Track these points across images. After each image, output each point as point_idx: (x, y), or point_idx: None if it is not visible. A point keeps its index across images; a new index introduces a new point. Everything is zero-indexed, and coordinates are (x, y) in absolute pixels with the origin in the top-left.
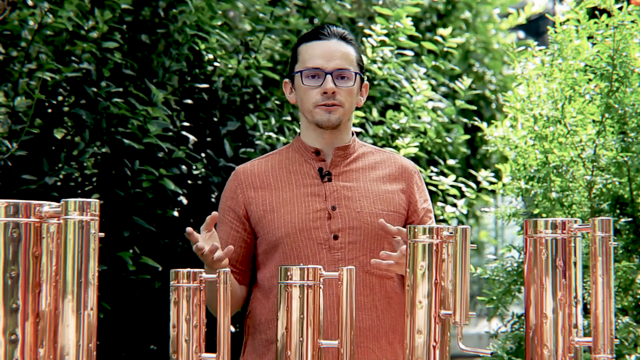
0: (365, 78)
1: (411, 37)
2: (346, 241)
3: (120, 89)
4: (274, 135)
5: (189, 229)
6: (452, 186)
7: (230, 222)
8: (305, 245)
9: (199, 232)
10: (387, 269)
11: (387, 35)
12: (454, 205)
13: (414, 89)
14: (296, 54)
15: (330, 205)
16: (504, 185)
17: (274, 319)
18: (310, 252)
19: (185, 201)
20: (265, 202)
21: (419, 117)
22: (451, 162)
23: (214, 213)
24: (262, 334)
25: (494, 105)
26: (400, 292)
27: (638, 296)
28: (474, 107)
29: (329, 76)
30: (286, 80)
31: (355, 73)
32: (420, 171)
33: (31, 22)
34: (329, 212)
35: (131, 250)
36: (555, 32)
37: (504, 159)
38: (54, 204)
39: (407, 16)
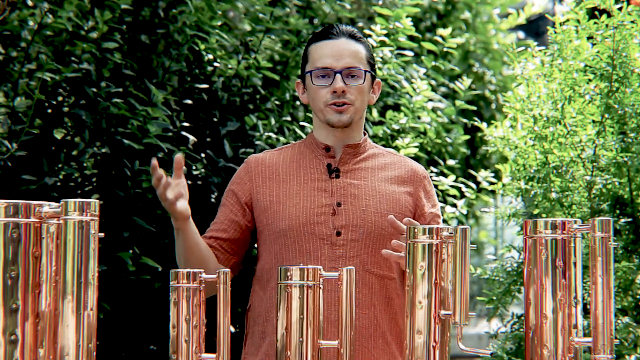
0: (380, 76)
1: (411, 38)
2: (348, 238)
3: (120, 89)
4: (273, 136)
5: (155, 162)
6: (452, 186)
7: (231, 205)
8: (307, 239)
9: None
10: (397, 261)
11: (386, 35)
12: (454, 205)
13: (414, 89)
14: (307, 54)
15: (335, 202)
16: (503, 185)
17: (270, 310)
18: (311, 247)
19: None
20: (273, 193)
21: (419, 118)
22: (451, 162)
23: (179, 155)
24: (259, 326)
25: (493, 106)
26: (401, 293)
27: (638, 296)
28: (474, 108)
29: (338, 75)
30: (298, 81)
31: (365, 71)
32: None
33: (31, 23)
34: (334, 208)
35: (131, 251)
36: (555, 33)
37: (504, 159)
38: (54, 204)
39: (407, 16)
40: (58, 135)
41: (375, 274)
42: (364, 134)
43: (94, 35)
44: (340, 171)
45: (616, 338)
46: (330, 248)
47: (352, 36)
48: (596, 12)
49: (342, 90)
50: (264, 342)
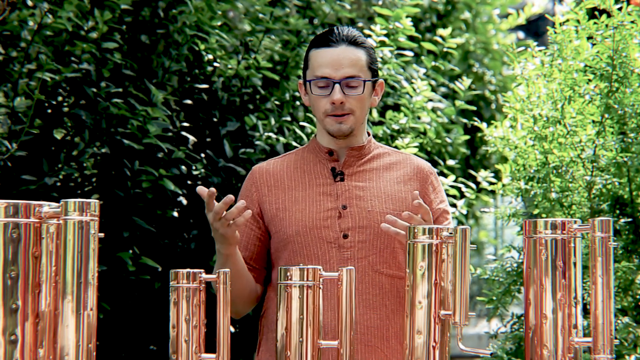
0: (380, 76)
1: (411, 38)
2: (356, 240)
3: (120, 90)
4: (273, 136)
5: (212, 190)
6: (452, 186)
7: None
8: (314, 244)
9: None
10: (395, 235)
11: (386, 35)
12: (454, 205)
13: (414, 90)
14: (307, 59)
15: (341, 205)
16: (503, 185)
17: None
18: (319, 251)
19: (185, 201)
20: (278, 200)
21: (419, 118)
22: (451, 162)
23: (211, 190)
24: (274, 333)
25: (493, 106)
26: None
27: (638, 296)
28: (474, 108)
29: (337, 86)
30: (300, 81)
31: (365, 80)
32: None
33: (31, 23)
34: (340, 211)
35: (131, 251)
36: (555, 33)
37: (504, 160)
38: (54, 204)
39: (407, 16)
40: (58, 135)
41: (385, 273)
42: (369, 134)
43: (94, 35)
44: (344, 174)
45: (616, 338)
46: (338, 251)
47: (352, 42)
48: (596, 12)
49: (341, 101)
50: None
